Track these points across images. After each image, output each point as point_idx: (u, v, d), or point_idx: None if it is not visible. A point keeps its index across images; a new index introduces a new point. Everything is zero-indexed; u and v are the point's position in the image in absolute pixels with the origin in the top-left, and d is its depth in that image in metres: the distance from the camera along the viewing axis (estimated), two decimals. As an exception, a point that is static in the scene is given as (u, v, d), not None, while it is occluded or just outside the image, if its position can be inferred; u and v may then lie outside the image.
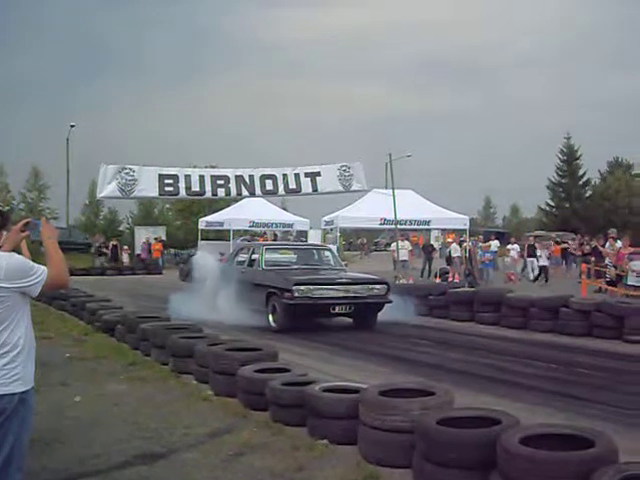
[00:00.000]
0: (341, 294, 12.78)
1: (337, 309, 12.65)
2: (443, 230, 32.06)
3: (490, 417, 4.76)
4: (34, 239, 3.86)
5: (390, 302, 13.05)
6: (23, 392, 3.49)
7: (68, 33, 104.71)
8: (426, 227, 27.96)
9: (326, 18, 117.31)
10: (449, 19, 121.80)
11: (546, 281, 23.18)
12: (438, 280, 23.25)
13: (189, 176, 17.51)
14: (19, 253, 3.69)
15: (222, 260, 17.49)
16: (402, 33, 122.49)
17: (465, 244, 25.91)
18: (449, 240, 29.27)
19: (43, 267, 3.50)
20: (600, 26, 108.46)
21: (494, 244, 28.41)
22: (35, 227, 3.76)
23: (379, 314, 13.10)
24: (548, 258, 24.79)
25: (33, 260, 3.65)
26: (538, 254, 24.35)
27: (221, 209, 35.26)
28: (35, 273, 3.47)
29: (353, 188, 18.65)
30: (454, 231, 30.11)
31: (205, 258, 16.21)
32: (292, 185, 17.89)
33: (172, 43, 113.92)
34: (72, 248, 34.02)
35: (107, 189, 17.02)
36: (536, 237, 31.87)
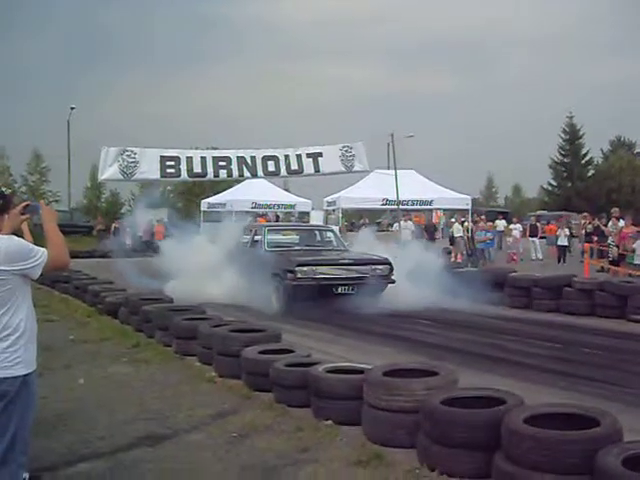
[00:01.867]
0: (344, 274, 12.78)
1: (340, 289, 12.64)
2: (445, 210, 31.91)
3: (494, 397, 4.76)
4: (36, 222, 3.85)
5: (393, 282, 13.03)
6: (25, 375, 3.49)
7: (70, 16, 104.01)
8: (428, 207, 27.86)
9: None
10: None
11: (564, 262, 23.05)
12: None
13: (191, 158, 17.38)
14: (20, 236, 3.67)
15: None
16: (401, 13, 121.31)
17: (467, 224, 25.84)
18: (451, 220, 29.18)
19: (43, 249, 3.50)
20: (602, 7, 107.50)
21: (501, 224, 28.32)
22: (35, 210, 3.74)
23: None
24: (572, 236, 24.75)
25: (35, 243, 3.64)
26: (557, 233, 24.26)
27: (223, 190, 35.13)
28: (35, 255, 3.46)
29: (355, 169, 18.48)
30: (445, 211, 29.95)
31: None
32: (294, 166, 17.75)
33: (173, 26, 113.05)
34: (74, 231, 33.97)
35: (108, 171, 16.91)
36: (538, 217, 31.85)
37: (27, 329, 3.53)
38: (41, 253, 3.49)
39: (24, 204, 3.76)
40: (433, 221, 31.06)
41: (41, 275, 3.55)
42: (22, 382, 3.47)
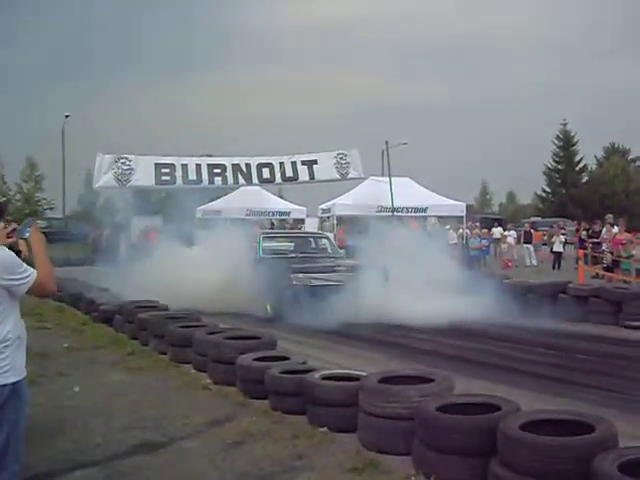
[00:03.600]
0: (339, 281, 12.75)
1: (335, 296, 12.60)
2: (440, 217, 31.93)
3: (490, 403, 4.76)
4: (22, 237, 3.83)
5: (388, 289, 12.99)
6: (14, 383, 3.49)
7: (66, 18, 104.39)
8: (423, 214, 27.86)
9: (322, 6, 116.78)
10: (447, 6, 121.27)
11: (559, 268, 23.08)
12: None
13: (186, 165, 17.38)
14: (17, 251, 3.67)
15: None
16: (400, 19, 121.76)
17: (461, 231, 25.91)
18: (446, 227, 29.18)
19: (33, 269, 3.50)
20: (598, 14, 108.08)
21: (497, 231, 28.41)
22: (22, 233, 3.71)
23: None
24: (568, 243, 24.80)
25: (27, 260, 3.63)
26: (552, 240, 24.32)
27: (217, 198, 35.06)
28: (24, 272, 3.47)
29: (350, 176, 18.50)
30: (440, 218, 29.87)
31: None
32: (289, 173, 17.75)
33: (165, 33, 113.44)
34: (68, 238, 33.91)
35: (103, 179, 16.90)
36: (532, 223, 31.91)
37: (15, 338, 3.52)
38: (30, 272, 3.49)
39: (11, 228, 3.77)
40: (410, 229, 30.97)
41: (27, 293, 3.54)
42: (11, 390, 3.46)
